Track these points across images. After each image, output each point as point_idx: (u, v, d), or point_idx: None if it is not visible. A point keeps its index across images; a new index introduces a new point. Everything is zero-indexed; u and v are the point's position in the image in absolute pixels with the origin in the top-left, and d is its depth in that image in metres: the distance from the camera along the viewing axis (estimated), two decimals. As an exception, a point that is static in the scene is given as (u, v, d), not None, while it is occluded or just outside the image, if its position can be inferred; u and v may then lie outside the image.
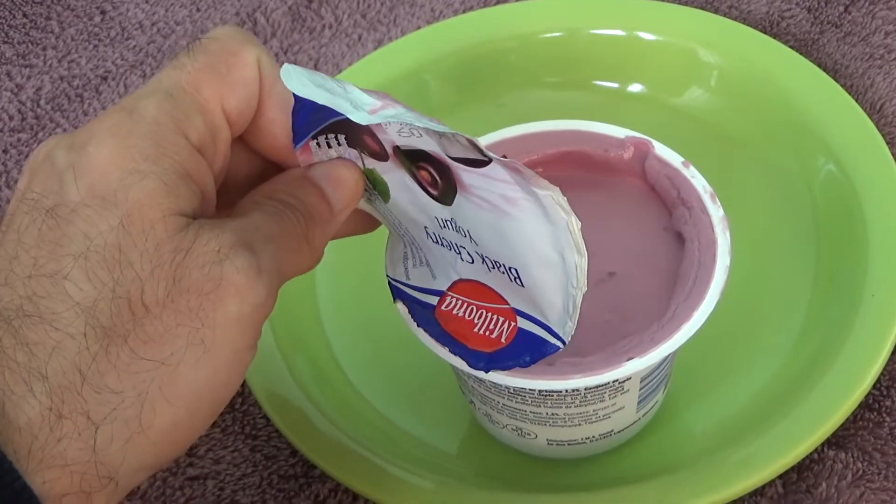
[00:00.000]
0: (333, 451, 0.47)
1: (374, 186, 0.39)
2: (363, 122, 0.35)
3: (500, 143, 0.46)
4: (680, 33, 0.60)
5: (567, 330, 0.37)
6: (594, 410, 0.43)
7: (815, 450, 0.47)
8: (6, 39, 0.69)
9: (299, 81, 0.36)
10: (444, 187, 0.37)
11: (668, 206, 0.45)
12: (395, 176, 0.38)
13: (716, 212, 0.43)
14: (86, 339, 0.31)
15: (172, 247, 0.33)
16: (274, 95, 0.38)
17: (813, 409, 0.46)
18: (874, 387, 0.48)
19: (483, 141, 0.46)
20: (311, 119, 0.37)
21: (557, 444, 0.45)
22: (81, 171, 0.33)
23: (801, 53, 0.59)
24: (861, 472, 0.46)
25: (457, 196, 0.37)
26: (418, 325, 0.41)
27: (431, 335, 0.40)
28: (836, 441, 0.47)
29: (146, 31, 0.69)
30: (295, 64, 0.62)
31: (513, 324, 0.39)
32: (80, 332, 0.32)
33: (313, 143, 0.38)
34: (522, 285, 0.38)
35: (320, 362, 0.51)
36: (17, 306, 0.32)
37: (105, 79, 0.67)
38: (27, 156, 0.63)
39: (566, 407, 0.42)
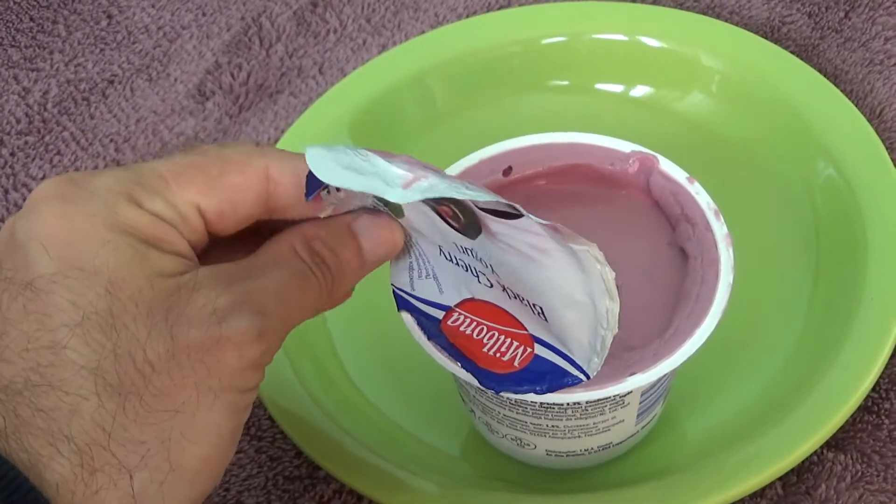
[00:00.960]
0: (338, 453, 0.47)
1: (386, 204, 0.39)
2: (402, 202, 0.35)
3: (507, 153, 0.46)
4: (682, 38, 0.60)
5: (593, 366, 0.37)
6: (594, 423, 0.43)
7: (815, 452, 0.47)
8: (13, 43, 0.70)
9: (326, 168, 0.35)
10: (467, 224, 0.37)
11: (672, 221, 0.45)
12: (411, 204, 0.38)
13: (719, 229, 0.43)
14: (99, 398, 0.32)
15: (165, 308, 0.33)
16: (289, 189, 0.38)
17: (812, 412, 0.46)
18: (873, 389, 0.49)
19: (490, 151, 0.46)
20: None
21: (556, 455, 0.45)
22: (47, 242, 0.34)
23: (801, 59, 0.59)
24: (860, 473, 0.46)
25: (481, 236, 0.37)
26: (428, 338, 0.40)
27: (439, 346, 0.40)
28: (835, 443, 0.47)
29: (152, 35, 0.69)
30: (299, 67, 0.63)
31: (529, 349, 0.38)
32: (93, 392, 0.32)
33: (324, 193, 0.38)
34: (546, 320, 0.38)
35: (325, 365, 0.51)
36: (23, 379, 0.32)
37: (111, 82, 0.67)
38: (34, 159, 0.63)
39: (566, 419, 0.42)
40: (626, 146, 0.45)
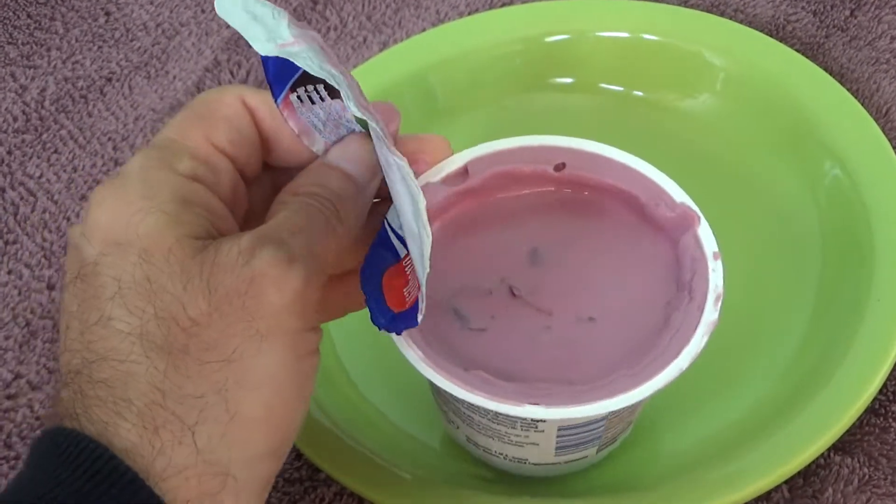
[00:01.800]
0: (338, 455, 0.47)
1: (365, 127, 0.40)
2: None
3: (565, 150, 0.45)
4: (686, 36, 0.60)
5: (421, 313, 0.38)
6: (506, 432, 0.43)
7: (822, 455, 0.46)
8: (10, 40, 0.69)
9: (230, 7, 0.38)
10: None
11: (679, 284, 0.43)
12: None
13: (709, 315, 0.41)
14: (150, 360, 0.33)
15: (197, 263, 0.35)
16: (267, 117, 0.40)
17: (819, 414, 0.46)
18: (880, 392, 0.48)
19: (550, 141, 0.45)
20: (281, 71, 0.38)
21: (475, 446, 0.45)
22: (90, 232, 0.36)
23: (806, 57, 0.58)
24: (867, 477, 0.46)
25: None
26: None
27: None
28: (842, 446, 0.47)
29: (151, 33, 0.69)
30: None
31: (418, 290, 0.39)
32: (142, 356, 0.34)
33: (294, 97, 0.39)
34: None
35: (326, 366, 0.51)
36: (80, 359, 0.34)
37: (109, 80, 0.66)
38: (32, 158, 0.63)
39: (480, 416, 0.42)
40: (679, 194, 0.44)
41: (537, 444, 0.43)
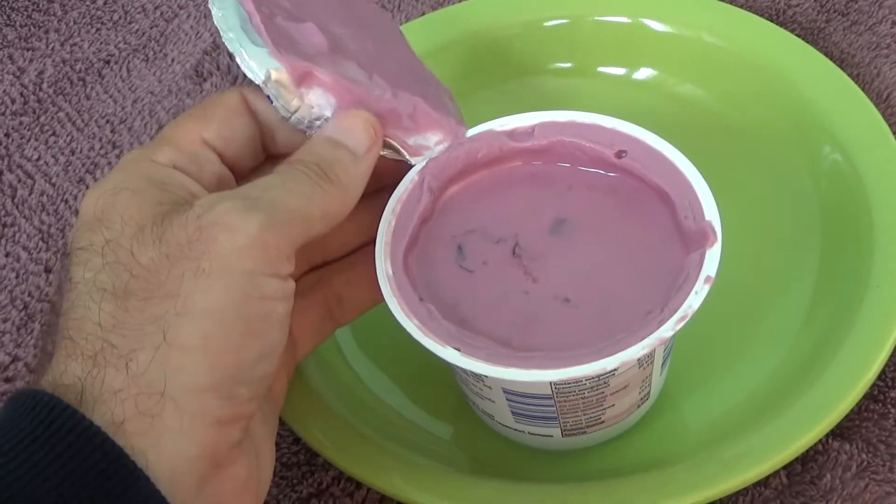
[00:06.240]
0: (336, 440, 0.47)
1: None
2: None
3: (625, 137, 0.45)
4: (685, 21, 0.60)
5: None
6: (466, 379, 0.44)
7: (820, 441, 0.47)
8: (8, 22, 0.69)
9: None
10: None
11: (665, 297, 0.42)
12: None
13: (664, 332, 0.40)
14: (97, 304, 0.35)
15: (155, 222, 0.36)
16: (265, 111, 0.42)
17: (817, 400, 0.45)
18: (879, 378, 0.48)
19: (623, 126, 0.45)
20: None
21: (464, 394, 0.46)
22: (78, 219, 0.38)
23: (807, 42, 0.58)
24: (866, 463, 0.46)
25: None
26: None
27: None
28: (840, 432, 0.47)
29: (149, 15, 0.68)
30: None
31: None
32: (94, 301, 0.35)
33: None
34: None
35: (323, 350, 0.51)
36: (63, 325, 0.36)
37: (108, 62, 0.66)
38: (29, 140, 0.62)
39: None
40: (711, 210, 0.43)
41: (493, 402, 0.44)
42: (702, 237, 0.42)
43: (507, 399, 0.43)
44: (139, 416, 0.34)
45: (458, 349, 0.40)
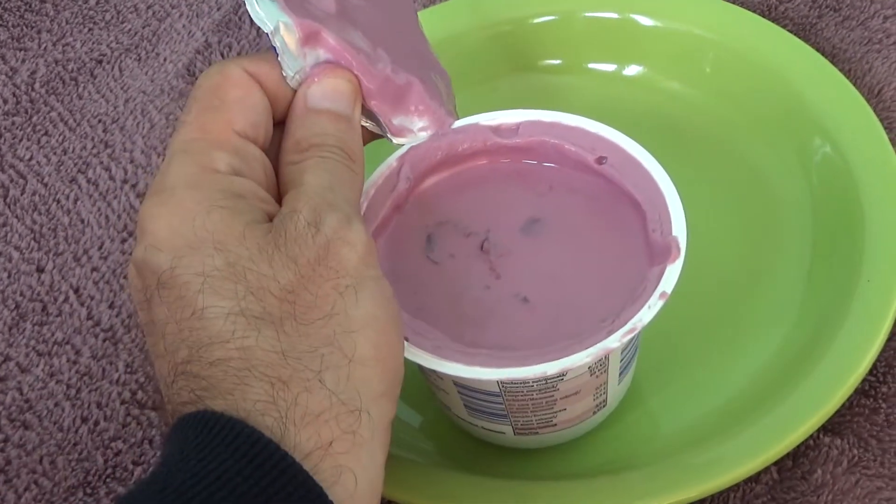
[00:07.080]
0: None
1: None
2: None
3: (606, 143, 0.45)
4: (676, 16, 0.60)
5: None
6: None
7: (811, 436, 0.46)
8: (1, 22, 0.69)
9: None
10: None
11: (622, 309, 0.42)
12: None
13: (611, 342, 0.40)
14: (257, 331, 0.35)
15: (271, 242, 0.36)
16: (271, 81, 0.41)
17: (808, 396, 0.45)
18: (870, 373, 0.48)
19: (606, 132, 0.45)
20: None
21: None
22: (157, 244, 0.36)
23: (799, 37, 0.58)
24: (857, 458, 0.46)
25: None
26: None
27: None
28: (831, 427, 0.47)
29: (141, 15, 0.68)
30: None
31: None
32: (249, 329, 0.35)
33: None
34: None
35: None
36: (185, 355, 0.35)
37: (100, 62, 0.66)
38: (21, 140, 0.62)
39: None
40: (679, 226, 0.42)
41: (448, 394, 0.44)
42: (665, 251, 0.42)
43: (458, 392, 0.43)
44: (343, 435, 0.34)
45: (406, 339, 0.41)
